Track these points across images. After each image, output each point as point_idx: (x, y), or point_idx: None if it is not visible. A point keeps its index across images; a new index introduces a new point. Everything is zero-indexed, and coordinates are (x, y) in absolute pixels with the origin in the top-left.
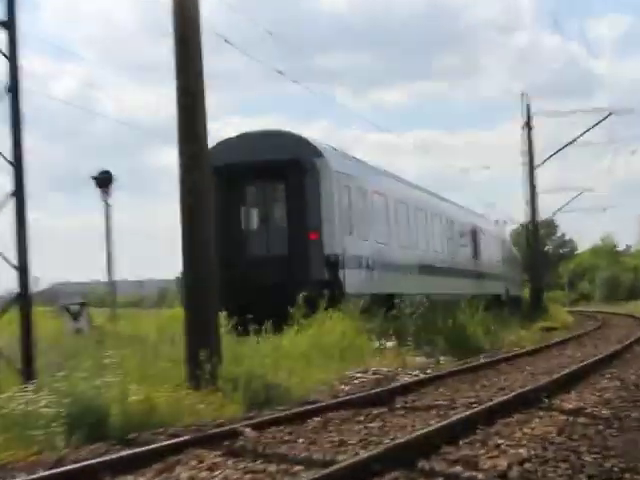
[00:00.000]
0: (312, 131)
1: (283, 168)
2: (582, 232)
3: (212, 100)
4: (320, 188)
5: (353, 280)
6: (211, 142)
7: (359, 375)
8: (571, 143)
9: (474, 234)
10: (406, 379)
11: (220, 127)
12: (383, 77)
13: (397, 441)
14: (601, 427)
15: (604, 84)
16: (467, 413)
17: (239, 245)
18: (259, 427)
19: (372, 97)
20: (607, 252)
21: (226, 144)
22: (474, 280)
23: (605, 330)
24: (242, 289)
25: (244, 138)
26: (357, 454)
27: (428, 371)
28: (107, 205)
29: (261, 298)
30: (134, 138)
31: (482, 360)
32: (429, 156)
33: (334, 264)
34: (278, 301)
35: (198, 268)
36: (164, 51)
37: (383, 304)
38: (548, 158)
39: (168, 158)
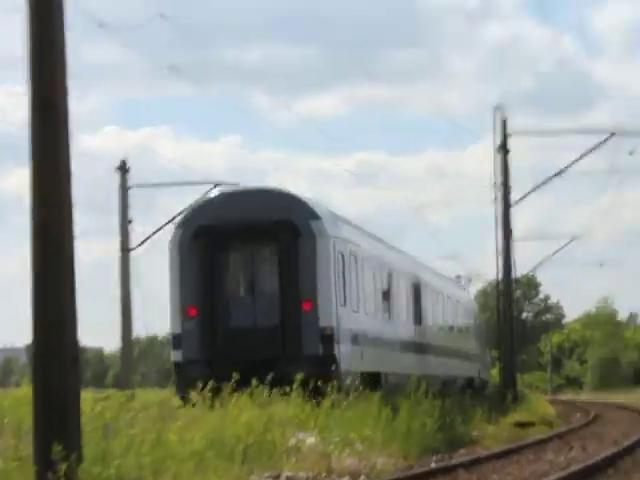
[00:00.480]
0: (219, 149)
1: (274, 230)
2: (571, 294)
3: (85, 103)
4: (316, 253)
5: (347, 356)
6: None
7: None
8: (560, 174)
9: (455, 307)
10: None
11: (97, 142)
12: (315, 79)
13: None
14: None
15: (605, 94)
16: None
17: (222, 315)
18: None
19: (300, 106)
20: (604, 322)
21: (208, 203)
22: (458, 360)
23: (598, 427)
24: (225, 365)
25: (228, 196)
26: None
27: (361, 478)
28: None
29: (247, 374)
30: None
31: (433, 464)
32: (373, 186)
33: (329, 338)
34: (266, 377)
35: (53, 334)
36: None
37: (370, 384)
38: (529, 193)
39: (21, 181)
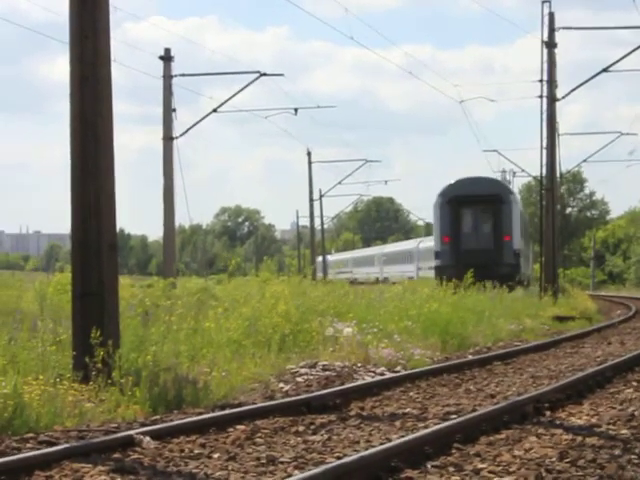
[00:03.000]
0: (266, 40)
1: (490, 199)
2: (618, 191)
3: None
4: (512, 212)
5: (521, 264)
6: None
7: (304, 371)
8: (607, 69)
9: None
10: (367, 378)
11: (144, 29)
12: None
13: (344, 460)
14: (618, 452)
15: None
16: (441, 426)
17: (461, 242)
18: (162, 435)
19: None
20: None
21: (455, 184)
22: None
23: (637, 322)
24: (462, 267)
25: (466, 180)
26: (288, 476)
27: (397, 368)
28: None
29: (474, 273)
30: (22, 40)
31: (470, 357)
32: (418, 80)
33: (517, 254)
34: (485, 274)
35: (91, 222)
36: None
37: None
38: (575, 88)
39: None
